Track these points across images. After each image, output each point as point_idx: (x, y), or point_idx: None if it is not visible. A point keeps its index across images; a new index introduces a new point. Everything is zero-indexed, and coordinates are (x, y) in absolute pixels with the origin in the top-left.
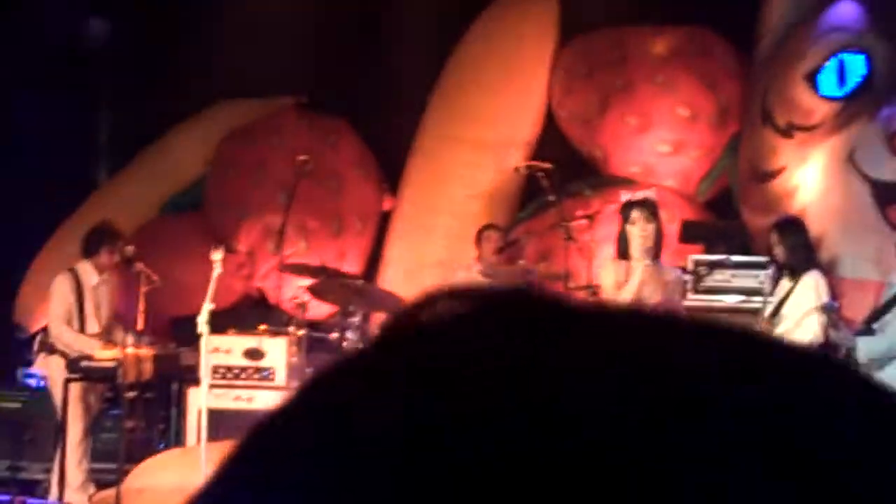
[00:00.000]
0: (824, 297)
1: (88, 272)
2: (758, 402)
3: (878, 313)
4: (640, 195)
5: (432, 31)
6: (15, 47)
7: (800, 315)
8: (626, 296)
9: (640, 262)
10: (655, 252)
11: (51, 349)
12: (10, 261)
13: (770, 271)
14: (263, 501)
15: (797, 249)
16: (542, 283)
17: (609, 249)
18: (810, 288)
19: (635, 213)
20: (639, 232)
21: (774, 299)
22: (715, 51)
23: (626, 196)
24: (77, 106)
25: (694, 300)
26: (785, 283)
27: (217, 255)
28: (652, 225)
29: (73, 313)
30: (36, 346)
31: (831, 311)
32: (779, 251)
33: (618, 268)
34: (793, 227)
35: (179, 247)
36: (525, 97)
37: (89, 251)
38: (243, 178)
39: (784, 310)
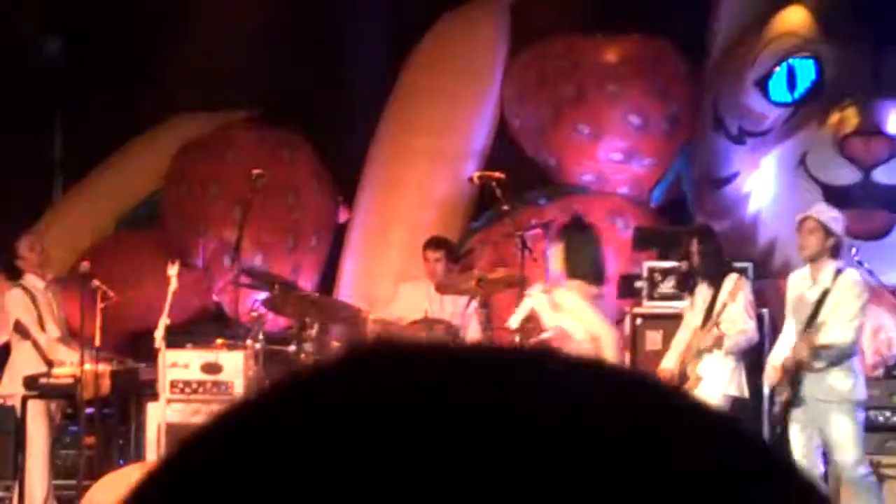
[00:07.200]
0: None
1: (33, 280)
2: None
3: None
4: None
5: (386, 41)
6: None
7: (736, 317)
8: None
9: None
10: (593, 274)
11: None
12: None
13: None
14: None
15: (715, 255)
16: (497, 291)
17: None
18: (740, 290)
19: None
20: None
21: (698, 306)
22: (665, 58)
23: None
24: (31, 123)
25: (649, 307)
26: (704, 289)
27: (173, 270)
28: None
29: (36, 321)
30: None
31: None
32: (696, 257)
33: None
34: (709, 234)
35: (136, 262)
36: (478, 107)
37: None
38: (198, 193)
39: (716, 315)
